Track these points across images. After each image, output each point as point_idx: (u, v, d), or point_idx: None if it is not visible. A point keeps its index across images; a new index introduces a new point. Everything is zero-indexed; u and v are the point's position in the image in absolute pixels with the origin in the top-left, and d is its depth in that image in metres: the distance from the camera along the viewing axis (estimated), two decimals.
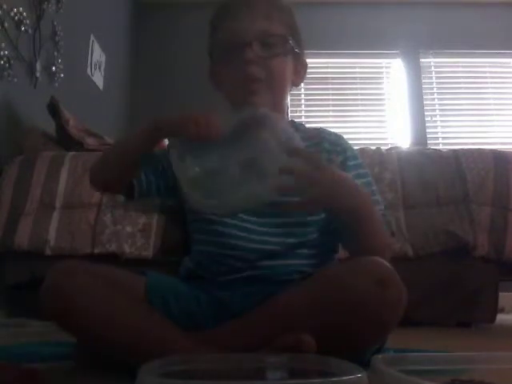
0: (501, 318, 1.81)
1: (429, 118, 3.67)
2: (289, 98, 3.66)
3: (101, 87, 2.98)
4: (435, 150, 1.97)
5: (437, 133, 3.69)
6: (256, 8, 0.89)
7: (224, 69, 0.91)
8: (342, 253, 0.91)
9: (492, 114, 3.68)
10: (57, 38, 2.27)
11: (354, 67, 3.80)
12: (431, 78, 3.77)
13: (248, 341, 0.68)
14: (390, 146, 2.60)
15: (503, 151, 1.85)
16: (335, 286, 0.67)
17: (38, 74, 2.09)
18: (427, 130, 3.63)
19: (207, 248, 0.87)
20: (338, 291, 0.66)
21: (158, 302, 0.78)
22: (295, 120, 1.02)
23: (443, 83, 3.77)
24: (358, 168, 0.91)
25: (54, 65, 2.25)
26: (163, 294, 0.80)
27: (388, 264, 0.67)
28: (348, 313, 0.64)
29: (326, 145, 0.92)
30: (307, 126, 1.01)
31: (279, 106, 0.92)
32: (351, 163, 0.90)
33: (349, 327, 0.64)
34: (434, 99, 3.74)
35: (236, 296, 0.79)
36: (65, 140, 2.00)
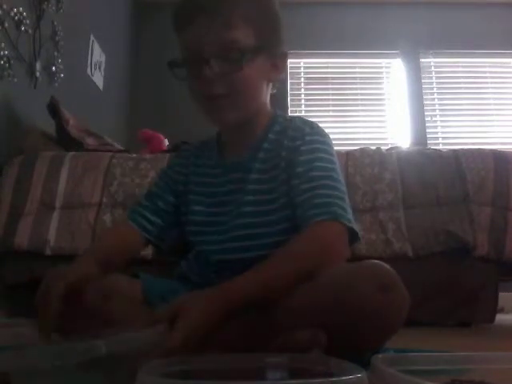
0: (501, 317, 1.81)
1: (429, 118, 3.68)
2: (289, 98, 3.68)
3: (101, 87, 2.98)
4: (435, 150, 1.97)
5: (437, 133, 3.69)
6: (214, 12, 0.79)
7: (188, 83, 0.86)
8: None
9: (492, 114, 3.69)
10: (57, 38, 2.26)
11: (354, 67, 3.80)
12: (431, 77, 3.77)
13: (248, 341, 0.68)
14: (389, 146, 2.60)
15: (503, 151, 1.85)
16: (336, 288, 0.66)
17: (38, 74, 2.09)
18: (427, 130, 3.63)
19: (198, 259, 0.92)
20: (340, 294, 0.65)
21: (158, 302, 0.78)
22: (278, 110, 0.97)
23: (443, 83, 3.77)
24: (314, 151, 0.84)
25: (54, 65, 2.25)
26: (162, 294, 0.80)
27: (390, 268, 0.66)
28: (349, 316, 0.64)
29: (290, 131, 0.89)
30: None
31: (252, 113, 0.88)
32: (303, 148, 0.85)
33: (350, 330, 0.64)
34: (434, 99, 3.74)
35: None
36: (65, 140, 2.00)
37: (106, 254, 0.85)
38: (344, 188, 0.83)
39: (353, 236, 0.79)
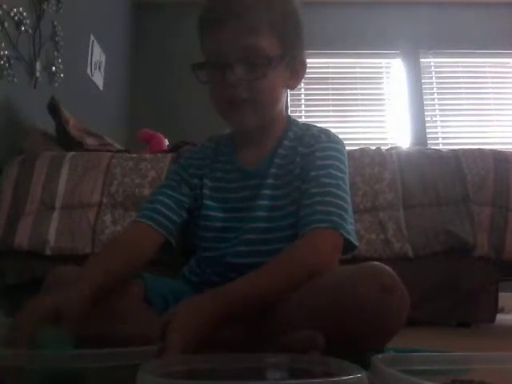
0: (501, 317, 1.81)
1: (429, 118, 3.68)
2: (289, 98, 3.68)
3: (101, 87, 2.98)
4: (435, 149, 1.97)
5: (437, 133, 3.69)
6: (240, 17, 0.79)
7: (209, 85, 0.86)
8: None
9: (492, 114, 3.69)
10: (57, 38, 2.26)
11: (354, 67, 3.80)
12: (431, 78, 3.77)
13: (248, 341, 0.68)
14: (389, 146, 2.60)
15: (503, 151, 1.85)
16: (337, 290, 0.66)
17: (38, 74, 2.09)
18: (427, 130, 3.63)
19: (207, 262, 0.90)
20: (340, 296, 0.65)
21: (158, 302, 0.78)
22: (292, 117, 0.99)
23: (443, 83, 3.77)
24: (328, 158, 0.85)
25: (53, 65, 2.25)
26: (163, 293, 0.80)
27: (390, 270, 0.66)
28: (349, 318, 0.64)
29: (306, 139, 0.90)
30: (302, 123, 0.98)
31: (269, 119, 0.89)
32: (318, 154, 0.86)
33: (350, 331, 0.64)
34: (433, 99, 3.74)
35: None
36: (65, 140, 2.00)
37: (111, 276, 0.74)
38: (349, 198, 0.83)
39: (348, 246, 0.80)
